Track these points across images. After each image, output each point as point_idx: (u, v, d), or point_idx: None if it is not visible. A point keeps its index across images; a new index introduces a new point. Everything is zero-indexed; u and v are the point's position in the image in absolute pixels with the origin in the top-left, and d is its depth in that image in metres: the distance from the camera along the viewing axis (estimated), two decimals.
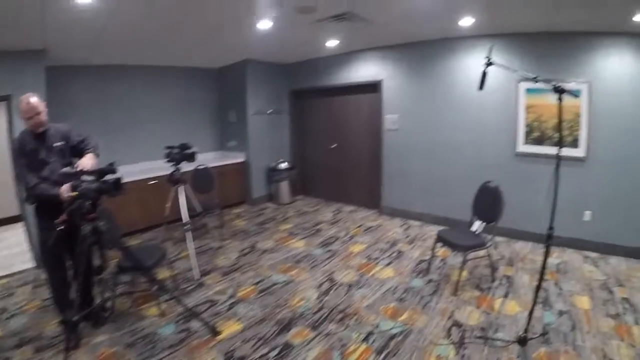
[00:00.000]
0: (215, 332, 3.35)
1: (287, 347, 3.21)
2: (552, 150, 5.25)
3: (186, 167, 4.96)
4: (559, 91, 2.89)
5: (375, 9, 4.57)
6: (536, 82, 3.05)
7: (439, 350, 3.23)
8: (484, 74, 3.28)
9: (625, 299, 4.13)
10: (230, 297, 4.06)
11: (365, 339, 3.35)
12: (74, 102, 5.99)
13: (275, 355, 3.10)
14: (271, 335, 3.38)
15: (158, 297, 3.78)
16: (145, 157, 6.77)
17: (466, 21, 5.08)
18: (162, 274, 4.42)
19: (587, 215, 5.42)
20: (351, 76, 7.35)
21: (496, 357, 3.13)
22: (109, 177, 2.91)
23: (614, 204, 5.29)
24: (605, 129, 5.19)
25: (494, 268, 4.70)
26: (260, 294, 4.13)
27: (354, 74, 7.30)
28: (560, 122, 3.00)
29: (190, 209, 4.73)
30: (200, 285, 4.30)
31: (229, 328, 3.46)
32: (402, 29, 5.59)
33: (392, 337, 3.40)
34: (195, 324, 3.47)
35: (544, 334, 3.46)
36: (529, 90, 5.57)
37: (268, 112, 7.98)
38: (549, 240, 3.01)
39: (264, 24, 4.82)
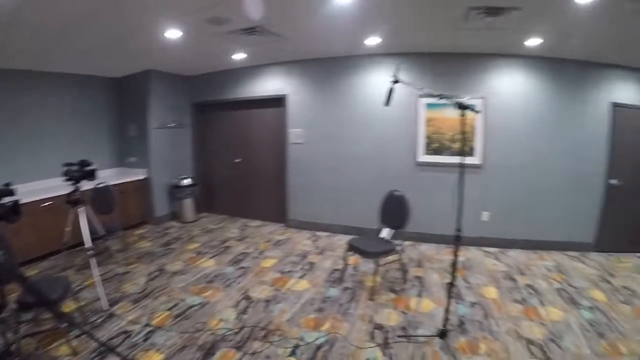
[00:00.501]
0: None
1: None
2: (449, 159, 5.93)
3: (85, 185, 4.58)
4: (462, 107, 3.14)
5: (286, 25, 4.69)
6: (440, 99, 3.27)
7: (366, 353, 3.34)
8: (391, 91, 3.48)
9: (529, 285, 4.74)
10: (145, 326, 3.80)
11: (293, 353, 3.36)
12: None
13: None
14: None
15: (67, 334, 3.41)
16: (38, 175, 6.08)
17: (372, 40, 5.37)
18: (68, 306, 4.00)
19: (485, 215, 6.07)
20: (256, 90, 7.35)
21: (421, 352, 3.36)
22: (5, 200, 2.62)
23: (508, 204, 6.03)
24: (498, 138, 5.91)
25: (404, 271, 4.98)
26: (177, 319, 3.93)
27: (259, 88, 7.31)
28: (463, 134, 3.24)
29: (92, 232, 4.38)
30: (111, 316, 3.96)
31: None
32: (311, 45, 5.77)
33: (319, 347, 3.45)
34: None
35: (460, 324, 3.76)
36: (429, 105, 6.08)
37: (170, 125, 7.68)
38: (457, 240, 3.27)
39: (173, 34, 4.71)
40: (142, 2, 3.72)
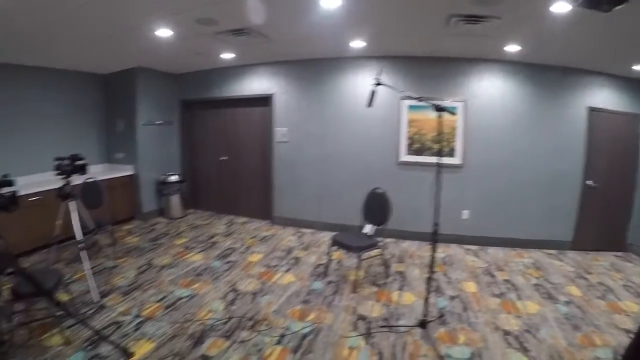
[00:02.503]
0: (128, 354, 3.22)
1: (205, 359, 3.24)
2: (431, 159, 6.15)
3: (75, 180, 4.61)
4: (439, 109, 3.29)
5: (274, 27, 4.83)
6: (420, 101, 3.42)
7: (349, 342, 3.50)
8: (373, 93, 3.61)
9: (507, 281, 4.96)
10: (136, 316, 3.91)
11: (279, 342, 3.51)
12: None
13: None
14: (186, 350, 3.36)
15: (59, 324, 3.48)
16: (24, 170, 6.02)
17: (357, 44, 5.56)
18: (60, 298, 4.05)
19: (466, 214, 6.31)
20: (243, 89, 7.46)
21: (402, 341, 3.53)
22: (4, 190, 2.70)
23: (486, 203, 6.25)
24: (478, 140, 6.13)
25: (386, 266, 5.18)
26: (167, 310, 4.06)
27: (246, 87, 7.42)
28: (439, 135, 3.41)
29: (82, 225, 4.45)
30: (102, 308, 4.05)
31: (141, 348, 3.36)
32: (297, 46, 5.91)
33: (304, 336, 3.60)
34: (105, 349, 3.30)
35: (440, 316, 3.97)
36: (410, 107, 6.28)
37: (158, 122, 7.73)
38: (435, 235, 3.45)
39: (163, 32, 4.83)
40: (133, 1, 3.81)
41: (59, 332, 3.45)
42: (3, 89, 5.91)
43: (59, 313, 3.34)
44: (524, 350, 3.42)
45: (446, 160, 6.01)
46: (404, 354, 3.34)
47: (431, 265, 3.58)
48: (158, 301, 4.27)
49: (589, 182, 6.04)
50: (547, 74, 5.95)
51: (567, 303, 4.36)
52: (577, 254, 6.03)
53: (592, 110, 5.98)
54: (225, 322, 3.84)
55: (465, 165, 6.24)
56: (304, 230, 7.15)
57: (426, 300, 3.60)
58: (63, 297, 4.07)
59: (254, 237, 6.69)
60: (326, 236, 6.60)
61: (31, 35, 4.73)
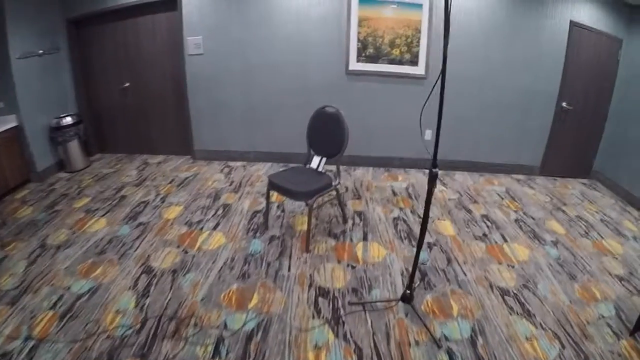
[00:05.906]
0: None
1: None
2: (388, 67, 5.38)
3: None
4: None
5: None
6: None
7: (313, 336, 2.67)
8: None
9: (485, 216, 4.48)
10: (26, 339, 2.78)
11: (216, 351, 2.60)
12: None
13: None
14: None
15: None
16: None
17: None
18: None
19: (429, 134, 5.57)
20: None
21: (383, 322, 2.78)
22: None
23: (455, 122, 5.64)
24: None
25: (342, 205, 4.29)
26: (63, 322, 2.96)
27: None
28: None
29: None
30: None
31: None
32: None
33: (249, 336, 2.72)
34: None
35: (423, 276, 3.31)
36: (361, 1, 5.29)
37: (39, 52, 5.82)
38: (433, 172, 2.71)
39: None
40: None
41: None
42: None
43: None
44: (528, 315, 2.89)
45: (408, 69, 5.42)
46: (389, 344, 2.54)
47: (423, 226, 2.73)
48: (52, 307, 3.13)
49: (564, 104, 5.68)
50: None
51: (555, 244, 4.02)
52: (545, 180, 5.90)
53: (574, 25, 5.39)
54: (139, 329, 2.85)
55: (429, 77, 5.45)
56: (233, 163, 6.19)
57: (414, 270, 2.78)
58: None
59: (171, 182, 5.59)
60: (261, 169, 5.71)
61: None
